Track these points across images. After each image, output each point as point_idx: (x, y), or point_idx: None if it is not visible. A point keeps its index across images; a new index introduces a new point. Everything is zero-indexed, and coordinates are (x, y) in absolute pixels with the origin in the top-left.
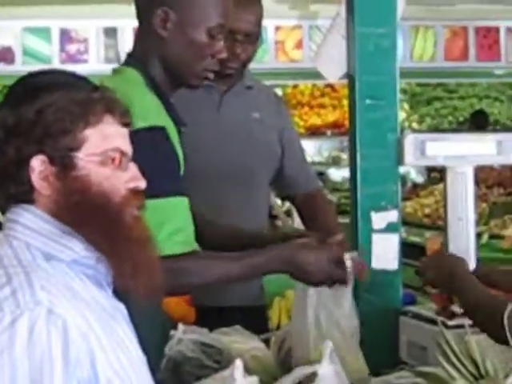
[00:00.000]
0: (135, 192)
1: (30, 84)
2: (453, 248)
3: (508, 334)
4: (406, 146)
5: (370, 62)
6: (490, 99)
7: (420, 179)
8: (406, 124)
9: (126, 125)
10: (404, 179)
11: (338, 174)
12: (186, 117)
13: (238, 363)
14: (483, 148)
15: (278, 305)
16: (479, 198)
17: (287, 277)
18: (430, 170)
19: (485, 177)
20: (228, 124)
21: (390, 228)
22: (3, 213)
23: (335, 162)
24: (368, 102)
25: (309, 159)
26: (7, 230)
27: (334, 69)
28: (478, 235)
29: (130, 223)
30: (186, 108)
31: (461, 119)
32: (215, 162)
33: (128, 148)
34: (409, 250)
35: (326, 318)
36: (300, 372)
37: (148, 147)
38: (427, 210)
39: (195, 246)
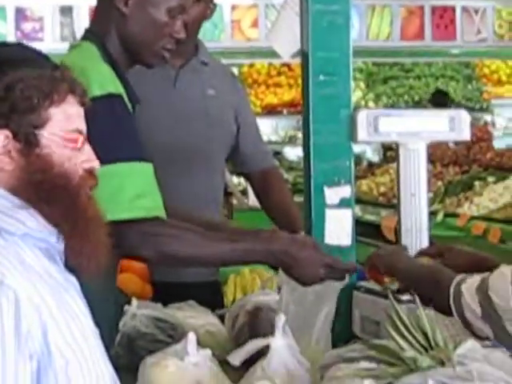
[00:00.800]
0: (90, 172)
1: None
2: (406, 224)
3: (452, 304)
4: (359, 122)
5: (324, 38)
6: (445, 78)
7: (376, 158)
8: (363, 103)
9: (83, 105)
10: (360, 158)
11: (294, 153)
12: (140, 92)
13: (191, 336)
14: (436, 124)
15: (234, 282)
16: (435, 176)
17: None
18: (385, 148)
19: (440, 155)
20: (183, 100)
21: (344, 203)
22: None
23: (291, 140)
24: (321, 78)
25: (265, 138)
26: None
27: (287, 46)
28: (434, 213)
29: (86, 203)
30: (140, 83)
31: (416, 98)
32: (170, 138)
33: (84, 128)
34: (364, 229)
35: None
36: (253, 345)
37: (107, 114)
38: (383, 189)
39: (162, 213)
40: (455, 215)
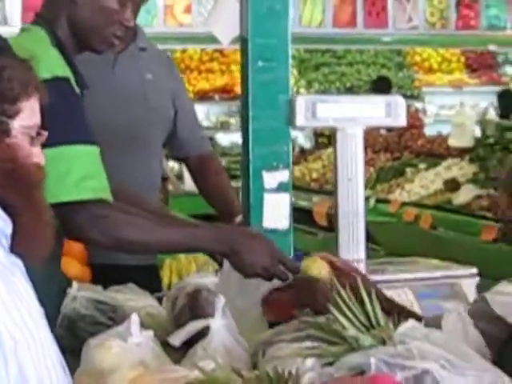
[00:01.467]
0: (40, 167)
1: None
2: (342, 208)
3: None
4: (297, 108)
5: (263, 24)
6: (377, 66)
7: (308, 144)
8: (295, 89)
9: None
10: (292, 144)
11: (227, 139)
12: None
13: (135, 318)
14: (372, 110)
15: (169, 266)
16: (366, 163)
17: None
18: (317, 135)
19: (372, 142)
20: (122, 85)
21: (282, 188)
22: None
23: (223, 126)
24: (260, 64)
25: None
26: None
27: (227, 31)
28: (365, 199)
29: (38, 196)
30: (80, 67)
31: (348, 85)
32: (109, 123)
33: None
34: (297, 214)
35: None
36: (194, 325)
37: (54, 97)
38: (315, 175)
39: (108, 195)
40: (387, 201)
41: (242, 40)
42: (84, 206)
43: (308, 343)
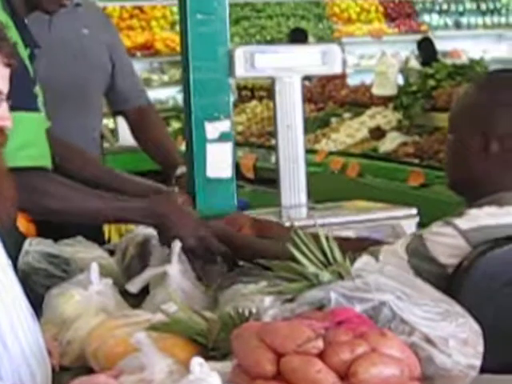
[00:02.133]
0: (0, 130)
1: None
2: (283, 154)
3: None
4: (236, 59)
5: None
6: (296, 18)
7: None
8: None
9: (8, 65)
10: None
11: (150, 95)
12: None
13: (94, 266)
14: (309, 59)
15: None
16: None
17: None
18: (240, 88)
19: None
20: (59, 41)
21: (223, 137)
22: None
23: (146, 83)
24: (199, 17)
25: None
26: None
27: None
28: None
29: None
30: None
31: (268, 38)
32: (46, 81)
33: (5, 88)
34: None
35: None
36: (151, 271)
37: None
38: (240, 128)
39: (47, 163)
40: (313, 151)
41: None
42: (20, 174)
43: (264, 283)
